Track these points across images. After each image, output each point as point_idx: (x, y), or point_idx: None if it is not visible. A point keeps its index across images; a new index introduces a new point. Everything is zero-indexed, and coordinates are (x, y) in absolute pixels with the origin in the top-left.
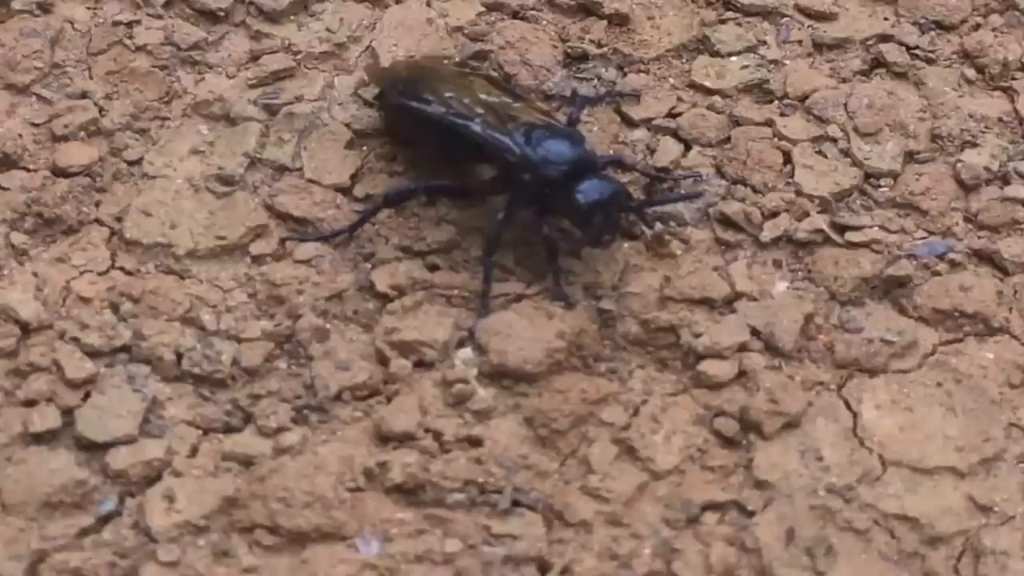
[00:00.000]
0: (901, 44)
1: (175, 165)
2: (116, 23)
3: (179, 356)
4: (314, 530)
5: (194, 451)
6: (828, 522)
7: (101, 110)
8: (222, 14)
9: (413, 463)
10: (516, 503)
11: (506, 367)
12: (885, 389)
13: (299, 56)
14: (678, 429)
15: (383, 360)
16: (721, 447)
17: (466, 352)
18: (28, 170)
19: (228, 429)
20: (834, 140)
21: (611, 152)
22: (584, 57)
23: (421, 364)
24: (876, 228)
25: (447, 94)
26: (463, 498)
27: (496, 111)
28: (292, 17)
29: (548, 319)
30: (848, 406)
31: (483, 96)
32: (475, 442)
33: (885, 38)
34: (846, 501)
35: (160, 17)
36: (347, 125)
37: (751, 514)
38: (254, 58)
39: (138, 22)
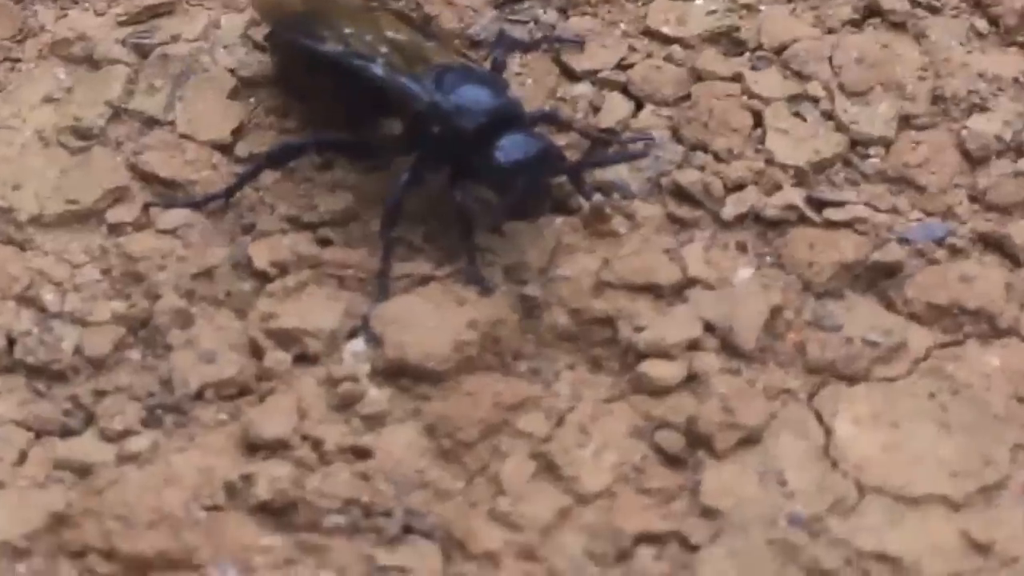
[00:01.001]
0: None
1: (24, 115)
2: None
3: (11, 342)
4: (158, 556)
5: (22, 457)
6: (789, 560)
7: None
8: None
9: (284, 477)
10: (408, 529)
11: (405, 363)
12: (866, 400)
13: None
14: (611, 443)
15: (257, 352)
16: (662, 466)
17: (357, 344)
18: None
19: (65, 432)
20: (815, 100)
21: (545, 108)
22: None
23: (303, 358)
24: (862, 206)
25: (346, 30)
26: (343, 521)
27: (404, 51)
28: None
29: (459, 306)
30: (820, 419)
31: (390, 34)
32: (362, 453)
33: None
34: (813, 535)
35: None
36: (232, 71)
37: (695, 548)
38: None
39: None
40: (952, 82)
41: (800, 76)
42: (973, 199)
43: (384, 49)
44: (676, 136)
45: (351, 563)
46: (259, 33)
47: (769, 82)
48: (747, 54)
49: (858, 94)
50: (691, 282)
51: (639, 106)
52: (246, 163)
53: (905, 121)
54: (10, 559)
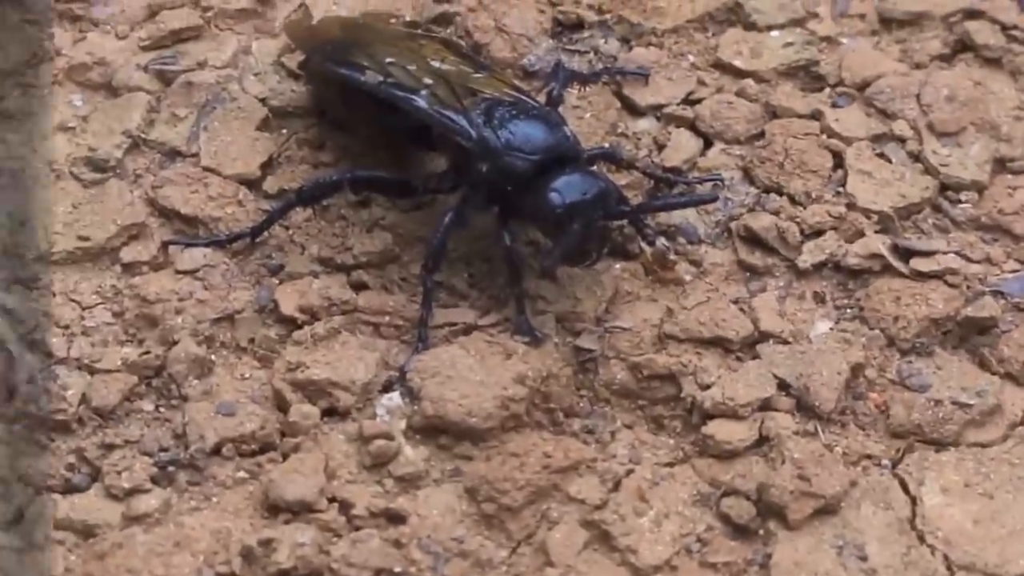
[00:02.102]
0: (994, 22)
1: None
2: None
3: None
4: None
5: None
6: None
7: None
8: None
9: (308, 543)
10: None
11: (444, 420)
12: (956, 467)
13: (210, 13)
14: (672, 511)
15: (282, 405)
16: (729, 537)
17: (393, 398)
18: None
19: (68, 488)
20: (901, 140)
21: (605, 145)
22: (579, 25)
23: (332, 412)
24: (952, 255)
25: (387, 60)
26: None
27: (450, 82)
28: None
29: (506, 359)
30: (905, 488)
31: (435, 63)
32: (395, 518)
33: (973, 14)
34: None
35: None
36: (262, 101)
37: None
38: (152, 14)
39: None
40: None
41: (885, 114)
42: None
43: (428, 80)
44: (748, 177)
45: None
46: (293, 60)
47: (851, 120)
48: (827, 90)
49: (948, 134)
50: (763, 336)
51: (708, 144)
52: (275, 199)
53: (1000, 164)
54: None
